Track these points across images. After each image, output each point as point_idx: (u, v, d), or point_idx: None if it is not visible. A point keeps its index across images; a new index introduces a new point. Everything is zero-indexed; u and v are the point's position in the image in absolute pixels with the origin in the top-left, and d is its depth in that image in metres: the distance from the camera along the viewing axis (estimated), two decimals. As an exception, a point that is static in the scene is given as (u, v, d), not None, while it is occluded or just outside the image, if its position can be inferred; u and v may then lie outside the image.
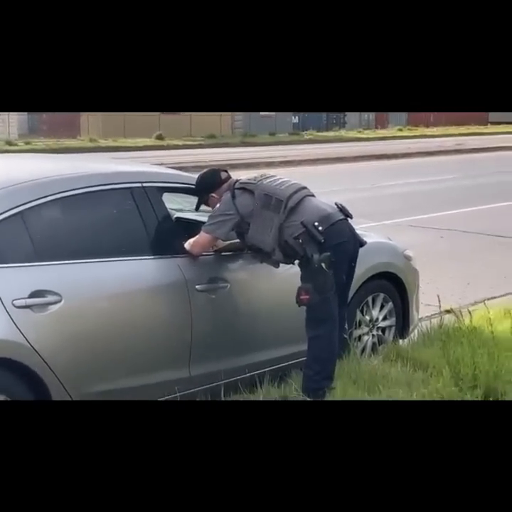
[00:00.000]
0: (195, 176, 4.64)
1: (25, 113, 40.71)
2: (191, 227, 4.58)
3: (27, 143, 29.05)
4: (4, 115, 36.94)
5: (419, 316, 5.79)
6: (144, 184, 4.28)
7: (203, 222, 4.54)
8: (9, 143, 28.22)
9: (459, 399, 4.23)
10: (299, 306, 4.32)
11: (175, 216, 4.78)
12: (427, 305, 6.30)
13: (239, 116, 41.88)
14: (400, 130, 43.07)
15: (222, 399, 4.28)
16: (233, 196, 4.40)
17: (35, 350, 3.63)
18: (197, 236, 4.38)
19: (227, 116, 40.56)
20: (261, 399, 4.31)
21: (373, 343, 5.26)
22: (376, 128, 46.38)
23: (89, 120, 37.48)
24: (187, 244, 4.35)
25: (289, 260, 4.46)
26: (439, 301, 4.77)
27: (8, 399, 3.56)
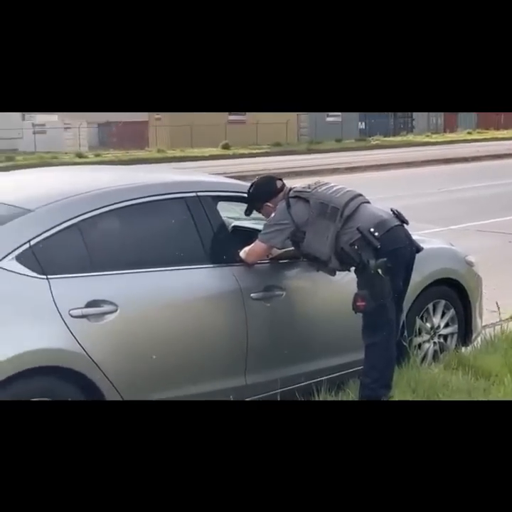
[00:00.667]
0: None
1: (96, 125, 41.61)
2: (247, 236, 4.59)
3: (97, 155, 29.68)
4: (75, 128, 37.89)
5: (484, 323, 5.66)
6: (199, 193, 4.31)
7: (259, 231, 4.55)
8: (80, 155, 28.90)
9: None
10: (356, 312, 4.28)
11: (232, 225, 4.79)
12: (493, 311, 6.15)
13: (305, 123, 41.87)
14: (470, 133, 42.30)
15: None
16: (288, 205, 4.38)
17: (92, 360, 3.68)
18: (252, 245, 4.39)
19: (292, 123, 40.60)
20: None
21: (435, 351, 5.16)
22: (445, 131, 45.68)
23: (157, 131, 38.08)
24: (242, 253, 4.35)
25: (345, 267, 4.42)
26: (498, 308, 4.65)
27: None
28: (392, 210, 4.53)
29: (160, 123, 38.41)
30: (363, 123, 43.90)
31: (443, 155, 26.29)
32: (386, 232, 4.32)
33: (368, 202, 4.49)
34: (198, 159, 27.30)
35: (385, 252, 4.26)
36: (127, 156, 28.74)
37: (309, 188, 4.43)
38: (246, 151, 31.14)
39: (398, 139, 39.05)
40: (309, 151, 31.10)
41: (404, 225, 4.48)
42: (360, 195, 4.48)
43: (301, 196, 4.40)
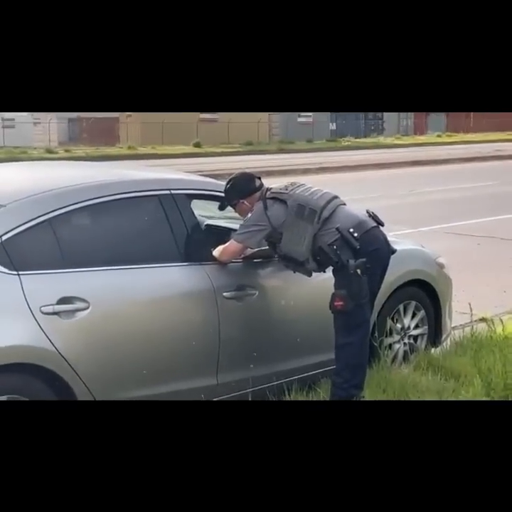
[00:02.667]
0: (224, 183, 4.63)
1: (66, 121, 41.32)
2: (220, 235, 4.58)
3: (66, 151, 29.46)
4: (45, 123, 37.55)
5: (453, 325, 5.71)
6: (173, 191, 4.29)
7: (232, 230, 4.54)
8: (49, 151, 28.66)
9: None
10: (333, 312, 4.29)
11: (205, 223, 4.78)
12: (462, 313, 6.20)
13: (276, 123, 41.94)
14: (439, 136, 42.75)
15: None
16: (265, 207, 4.38)
17: (63, 357, 3.65)
18: (227, 244, 4.38)
19: (264, 123, 40.65)
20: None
21: (405, 352, 5.20)
22: (415, 134, 46.07)
23: (128, 128, 37.88)
24: (216, 252, 4.34)
25: (322, 268, 4.43)
26: (471, 309, 4.70)
27: (36, 405, 3.58)
28: (367, 212, 4.55)
29: (131, 120, 38.22)
30: (334, 124, 44.09)
31: (413, 157, 26.52)
32: (365, 233, 4.35)
33: (345, 204, 4.52)
34: (169, 157, 27.21)
35: (363, 252, 4.28)
36: (97, 152, 28.54)
37: (287, 189, 4.43)
38: (218, 150, 31.12)
39: (369, 140, 39.32)
40: (281, 151, 31.17)
41: (380, 227, 4.51)
42: (337, 197, 4.49)
43: (278, 198, 4.39)
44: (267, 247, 4.48)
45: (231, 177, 4.59)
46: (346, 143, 36.46)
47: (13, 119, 38.07)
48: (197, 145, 32.34)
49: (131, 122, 37.97)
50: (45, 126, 37.91)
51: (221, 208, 4.58)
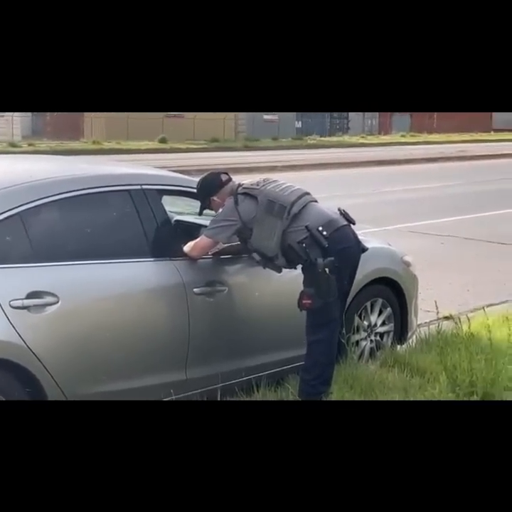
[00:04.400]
0: (196, 179, 4.64)
1: (29, 114, 40.80)
2: (190, 231, 4.58)
3: (30, 144, 29.10)
4: (8, 116, 37.03)
5: (418, 322, 5.78)
6: (144, 186, 4.28)
7: (202, 226, 4.54)
8: (12, 144, 28.27)
9: (456, 405, 4.23)
10: (301, 310, 4.32)
11: (174, 219, 4.78)
12: (427, 311, 6.28)
13: (242, 120, 41.93)
14: (403, 136, 43.10)
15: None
16: (236, 202, 4.40)
17: (32, 351, 3.63)
18: (197, 239, 4.39)
19: (230, 120, 40.59)
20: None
21: (371, 349, 5.25)
22: (379, 134, 46.41)
23: (93, 122, 37.54)
24: (186, 247, 4.35)
25: (291, 265, 4.45)
26: (437, 307, 4.77)
27: (4, 399, 3.56)
28: (339, 210, 4.58)
29: (95, 114, 37.86)
30: (300, 122, 44.25)
31: (377, 157, 26.72)
32: (334, 231, 4.37)
33: (316, 201, 4.54)
34: (135, 152, 27.05)
35: (332, 251, 4.31)
36: (62, 146, 28.24)
37: (258, 185, 4.46)
38: (183, 146, 30.99)
39: (334, 139, 39.51)
40: (246, 148, 31.18)
41: (351, 225, 4.54)
42: (308, 193, 4.51)
43: (249, 193, 4.41)
44: (238, 243, 4.50)
45: (199, 179, 4.62)
46: (312, 141, 36.60)
47: (-24, 112, 37.52)
48: (162, 141, 32.18)
49: (96, 117, 37.64)
50: (9, 119, 37.40)
51: (200, 212, 4.60)
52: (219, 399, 4.29)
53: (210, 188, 4.53)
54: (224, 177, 4.57)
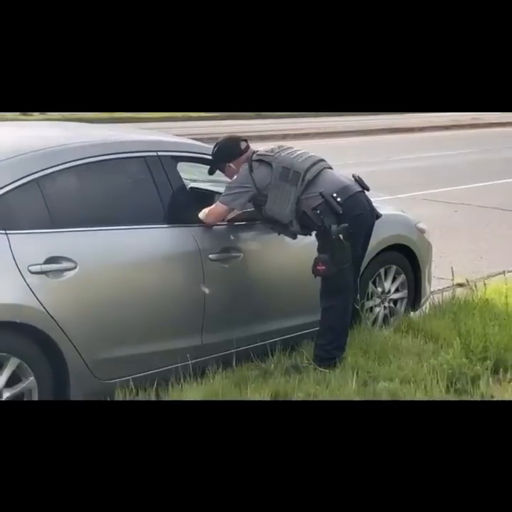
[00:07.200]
0: (211, 146, 4.64)
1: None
2: (205, 197, 4.60)
3: (42, 113, 29.00)
4: (19, 85, 36.89)
5: (432, 289, 5.81)
6: (159, 153, 4.29)
7: (218, 193, 4.56)
8: (24, 113, 28.19)
9: (469, 370, 4.25)
10: (315, 276, 4.35)
11: (189, 186, 4.79)
12: (440, 278, 6.31)
13: (254, 88, 41.62)
14: (416, 104, 42.72)
15: (234, 366, 4.33)
16: (251, 169, 4.41)
17: (50, 316, 3.68)
18: (212, 206, 4.40)
19: (242, 88, 40.33)
20: (271, 368, 4.36)
21: (385, 315, 5.28)
22: (392, 102, 46.02)
23: (104, 91, 37.40)
24: (201, 214, 4.37)
25: (306, 231, 4.47)
26: (453, 273, 4.78)
27: (24, 363, 3.62)
28: (353, 176, 4.59)
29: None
30: (312, 90, 43.90)
31: (390, 125, 26.51)
32: (348, 197, 4.38)
33: (330, 167, 4.54)
34: (147, 121, 26.93)
35: (347, 217, 4.32)
36: (74, 115, 28.13)
37: (272, 152, 4.46)
38: (195, 114, 30.82)
39: (346, 107, 39.20)
40: (258, 116, 30.98)
41: (366, 192, 4.55)
42: (323, 160, 4.52)
43: (263, 160, 4.42)
44: (252, 210, 4.52)
45: (217, 141, 4.60)
46: (324, 109, 36.36)
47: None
48: (174, 109, 32.03)
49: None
50: (20, 87, 37.32)
51: (210, 172, 4.61)
52: (234, 364, 4.34)
53: (228, 154, 4.52)
54: (243, 145, 4.56)
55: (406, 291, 5.38)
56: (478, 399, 4.02)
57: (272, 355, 4.51)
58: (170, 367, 4.12)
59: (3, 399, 3.57)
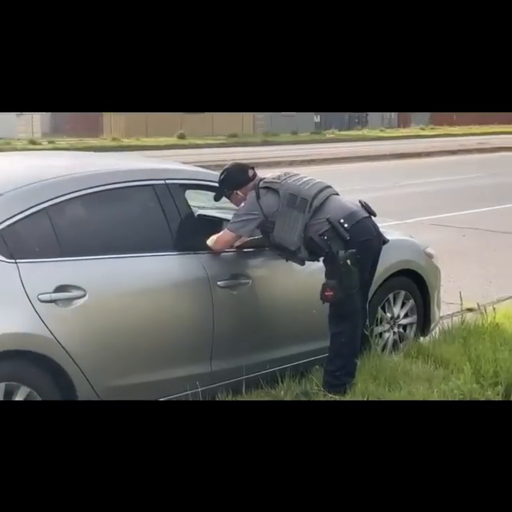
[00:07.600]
0: (218, 173, 4.67)
1: (49, 113, 41.01)
2: (214, 225, 4.63)
3: (50, 142, 29.27)
4: (28, 115, 37.22)
5: (441, 314, 5.79)
6: (167, 181, 4.32)
7: (226, 220, 4.58)
8: (33, 142, 28.47)
9: (480, 396, 4.23)
10: (324, 302, 4.35)
11: (197, 213, 4.82)
12: (449, 303, 6.29)
13: (260, 115, 41.88)
14: (423, 129, 42.89)
15: (244, 394, 4.32)
16: (258, 196, 4.43)
17: (60, 344, 3.69)
18: (221, 233, 4.42)
19: (249, 115, 40.58)
20: (281, 395, 4.35)
21: (394, 341, 5.26)
22: (399, 127, 46.21)
23: (112, 119, 37.70)
24: (210, 241, 4.39)
25: (314, 258, 4.49)
26: (461, 298, 4.77)
27: (34, 392, 3.62)
28: (360, 202, 4.61)
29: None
30: (318, 116, 44.11)
31: (397, 150, 26.61)
32: (355, 223, 4.40)
33: (337, 194, 4.57)
34: (154, 148, 27.12)
35: (354, 243, 4.34)
36: (81, 143, 28.39)
37: (279, 178, 4.49)
38: (202, 142, 31.05)
39: (353, 132, 39.38)
40: (265, 143, 31.15)
41: (372, 217, 4.56)
42: (329, 186, 4.55)
43: (271, 187, 4.45)
44: (260, 236, 4.54)
45: (225, 168, 4.63)
46: (330, 135, 36.51)
47: (-4, 110, 37.70)
48: (181, 137, 32.26)
49: (114, 113, 37.80)
50: (29, 117, 37.62)
51: (216, 198, 4.63)
52: (244, 391, 4.34)
53: (236, 181, 4.54)
54: (250, 172, 4.59)
55: (415, 316, 5.36)
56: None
57: (282, 382, 4.49)
58: (180, 394, 4.11)
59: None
